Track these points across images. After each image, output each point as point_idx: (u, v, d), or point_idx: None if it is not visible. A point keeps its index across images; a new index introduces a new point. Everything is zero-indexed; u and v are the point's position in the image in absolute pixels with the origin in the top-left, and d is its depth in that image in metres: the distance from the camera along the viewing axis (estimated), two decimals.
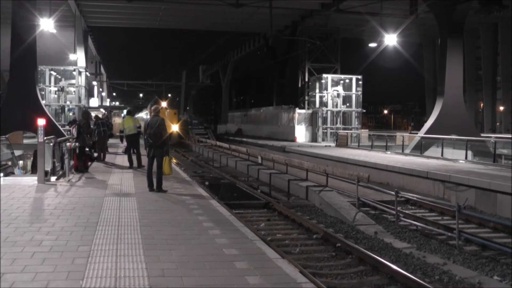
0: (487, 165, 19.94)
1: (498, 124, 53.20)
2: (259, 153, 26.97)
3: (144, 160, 14.46)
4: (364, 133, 38.20)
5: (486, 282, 8.45)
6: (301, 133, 41.85)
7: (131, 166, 17.08)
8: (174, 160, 28.26)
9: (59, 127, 26.36)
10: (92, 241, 6.86)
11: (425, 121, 35.25)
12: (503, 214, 13.93)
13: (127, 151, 17.79)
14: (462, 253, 10.05)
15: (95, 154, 19.61)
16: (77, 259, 5.99)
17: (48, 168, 13.43)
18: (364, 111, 45.35)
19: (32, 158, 14.70)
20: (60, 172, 14.20)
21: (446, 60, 30.02)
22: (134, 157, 17.26)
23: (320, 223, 12.81)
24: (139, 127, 17.74)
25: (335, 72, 44.41)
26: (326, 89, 41.17)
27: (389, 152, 27.46)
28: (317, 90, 41.81)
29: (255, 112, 58.50)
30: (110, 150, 23.79)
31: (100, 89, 70.02)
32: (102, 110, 45.11)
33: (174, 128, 46.16)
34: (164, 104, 48.22)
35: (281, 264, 6.07)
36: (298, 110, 42.78)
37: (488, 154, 22.68)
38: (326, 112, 41.19)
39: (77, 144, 15.42)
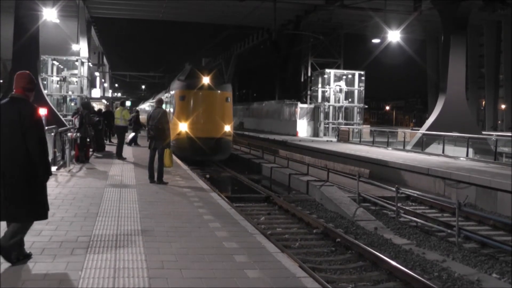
0: (488, 163, 19.93)
1: (499, 122, 53.19)
2: (260, 147, 26.98)
3: (138, 152, 14.49)
4: (366, 128, 38.17)
5: (485, 279, 8.45)
6: (302, 128, 41.85)
7: (119, 157, 17.38)
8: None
9: (61, 117, 26.36)
10: (92, 232, 6.87)
11: (427, 118, 35.19)
12: (503, 212, 13.93)
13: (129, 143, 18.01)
14: (461, 250, 10.05)
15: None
16: (76, 249, 5.99)
17: (49, 158, 13.42)
18: (366, 106, 45.36)
19: None
20: (61, 162, 14.21)
21: (449, 57, 29.95)
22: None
23: (320, 218, 12.81)
24: (130, 119, 18.11)
25: (338, 67, 44.36)
26: (329, 84, 41.15)
27: (390, 148, 27.44)
28: (320, 85, 41.79)
29: (257, 106, 58.45)
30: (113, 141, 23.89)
31: (102, 80, 70.03)
32: (104, 101, 45.06)
33: (227, 128, 22.26)
34: (206, 80, 21.95)
35: (280, 258, 6.08)
36: (300, 105, 42.77)
37: (489, 152, 22.67)
38: (328, 107, 41.17)
39: (78, 134, 15.42)
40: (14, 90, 5.39)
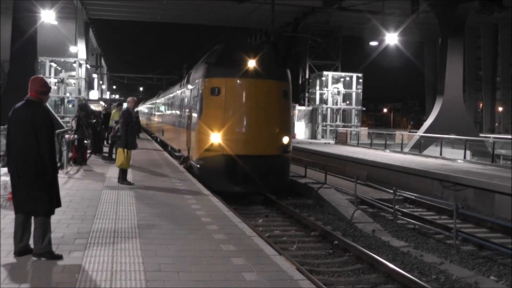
0: (486, 165, 19.94)
1: (497, 124, 53.30)
2: None
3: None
4: (364, 131, 38.23)
5: (482, 282, 8.44)
6: (300, 130, 41.92)
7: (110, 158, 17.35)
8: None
9: (58, 118, 26.34)
10: (89, 234, 6.85)
11: (425, 120, 35.26)
12: (501, 214, 13.92)
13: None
14: (459, 253, 10.04)
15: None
16: (73, 252, 5.98)
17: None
18: (364, 109, 45.46)
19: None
20: (58, 164, 14.15)
21: (446, 60, 30.06)
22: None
23: (318, 220, 12.78)
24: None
25: (335, 70, 44.44)
26: (327, 86, 41.23)
27: (388, 151, 27.44)
28: (318, 87, 41.88)
29: None
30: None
31: (100, 82, 70.04)
32: (102, 102, 45.03)
33: (285, 140, 14.30)
34: (252, 62, 13.54)
35: (278, 261, 6.07)
36: (298, 107, 42.83)
37: (487, 154, 22.70)
38: (326, 109, 41.22)
39: (76, 136, 15.38)
40: (29, 94, 5.74)
